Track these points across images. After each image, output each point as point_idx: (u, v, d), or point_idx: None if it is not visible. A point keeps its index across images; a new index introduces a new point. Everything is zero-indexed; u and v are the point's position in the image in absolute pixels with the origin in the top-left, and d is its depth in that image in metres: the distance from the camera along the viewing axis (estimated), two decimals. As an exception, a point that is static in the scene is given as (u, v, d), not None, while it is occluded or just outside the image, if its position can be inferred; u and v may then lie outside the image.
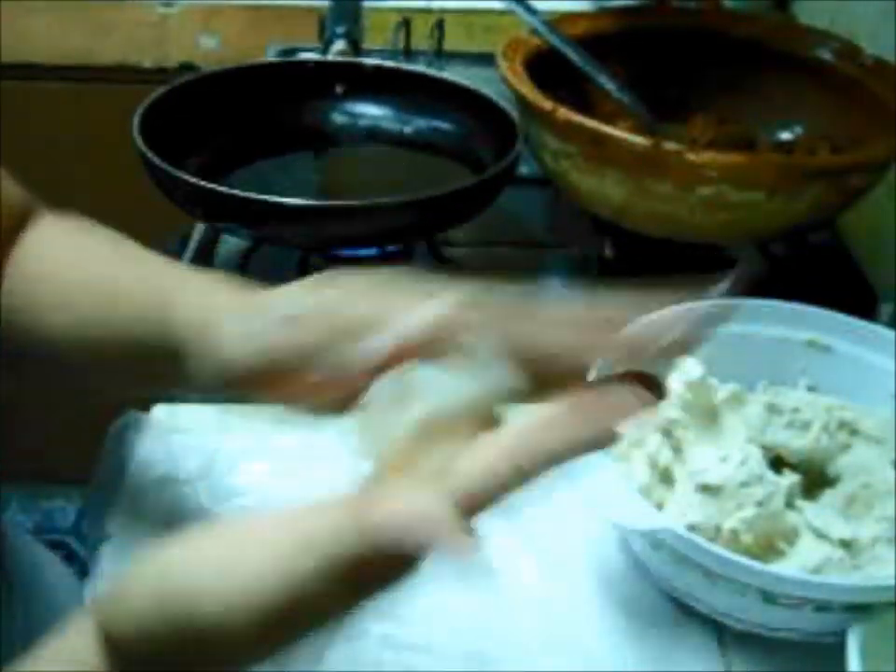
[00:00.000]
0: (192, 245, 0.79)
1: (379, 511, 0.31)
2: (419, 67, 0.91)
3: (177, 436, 0.61)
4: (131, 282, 0.45)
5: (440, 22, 0.99)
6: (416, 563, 0.31)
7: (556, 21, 0.82)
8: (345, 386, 0.37)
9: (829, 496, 0.55)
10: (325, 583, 0.31)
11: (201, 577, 0.32)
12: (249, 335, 0.40)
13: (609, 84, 0.80)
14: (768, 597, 0.48)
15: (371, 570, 0.31)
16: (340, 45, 0.90)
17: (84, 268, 0.46)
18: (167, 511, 0.56)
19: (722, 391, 0.58)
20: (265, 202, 0.65)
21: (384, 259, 0.77)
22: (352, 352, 0.37)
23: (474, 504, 0.31)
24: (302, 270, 0.72)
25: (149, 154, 0.69)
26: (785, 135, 0.83)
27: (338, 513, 0.32)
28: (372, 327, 0.37)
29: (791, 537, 0.52)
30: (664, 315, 0.35)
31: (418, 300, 0.37)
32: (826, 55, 0.81)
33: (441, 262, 0.77)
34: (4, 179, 0.48)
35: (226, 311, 0.42)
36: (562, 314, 0.36)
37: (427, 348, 0.35)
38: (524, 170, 0.77)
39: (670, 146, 0.67)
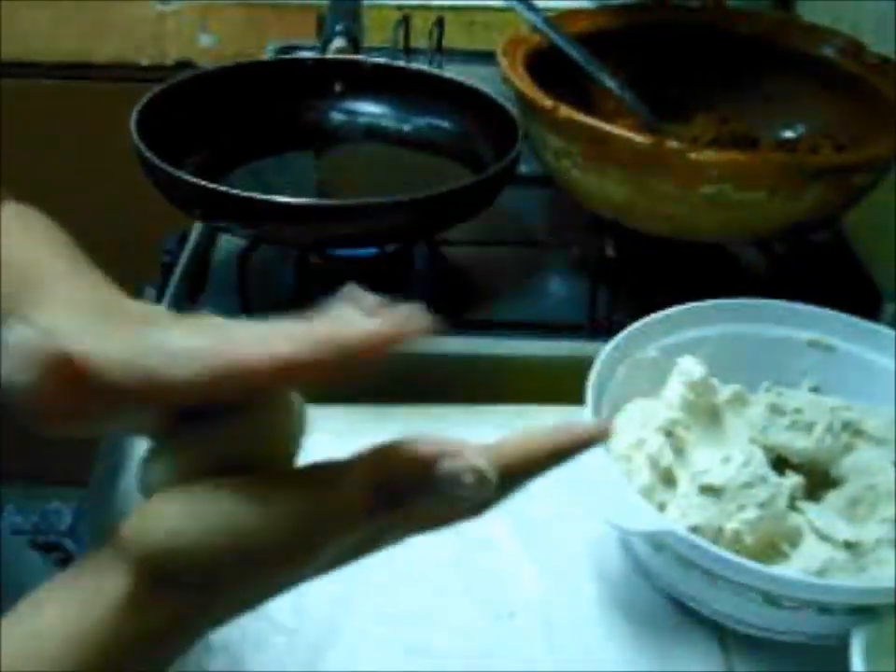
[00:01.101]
0: (190, 244, 0.78)
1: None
2: (419, 65, 0.90)
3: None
4: None
5: (439, 20, 0.99)
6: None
7: (557, 19, 0.81)
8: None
9: (832, 497, 0.54)
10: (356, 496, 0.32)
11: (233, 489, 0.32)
12: None
13: (610, 82, 0.79)
14: (771, 599, 0.47)
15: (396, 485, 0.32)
16: (339, 42, 0.90)
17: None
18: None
19: (724, 391, 0.58)
20: (263, 201, 0.65)
21: (383, 259, 0.77)
22: None
23: None
24: (301, 269, 0.72)
25: (147, 153, 0.68)
26: (787, 134, 0.82)
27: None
28: None
29: (794, 538, 0.52)
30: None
31: None
32: (829, 53, 0.80)
33: (442, 262, 0.77)
34: None
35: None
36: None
37: None
38: (524, 169, 0.77)
39: (672, 144, 0.67)
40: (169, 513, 0.32)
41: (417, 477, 0.32)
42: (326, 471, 0.33)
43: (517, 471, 0.34)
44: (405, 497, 0.32)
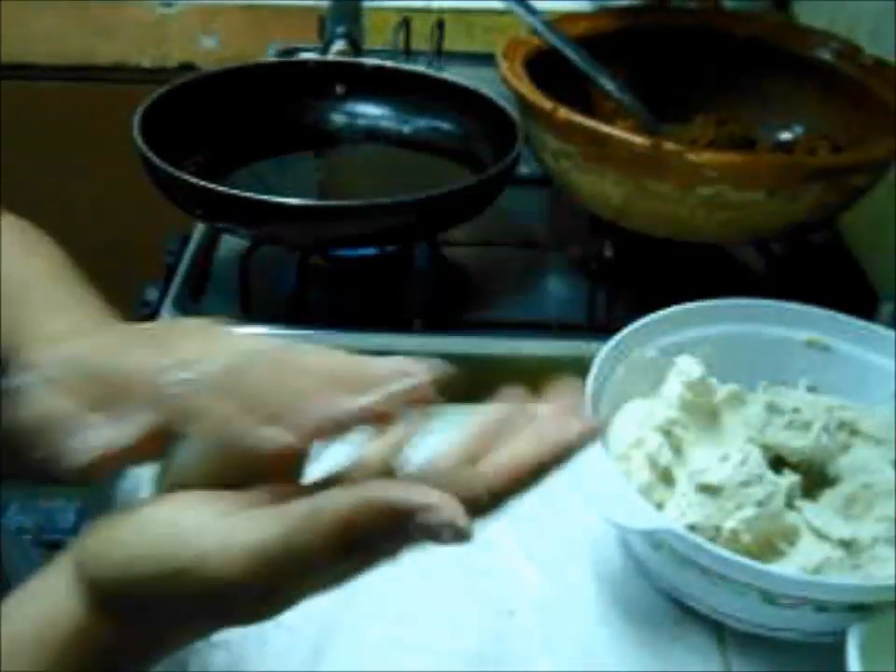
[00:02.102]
0: (192, 245, 0.79)
1: (379, 482, 0.32)
2: (419, 67, 0.90)
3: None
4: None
5: (440, 22, 0.99)
6: (409, 530, 0.31)
7: (556, 21, 0.82)
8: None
9: (829, 496, 0.55)
10: (322, 545, 0.31)
11: (194, 526, 0.32)
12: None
13: (609, 84, 0.80)
14: (768, 597, 0.48)
15: (366, 536, 0.31)
16: (340, 45, 0.90)
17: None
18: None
19: (722, 391, 0.58)
20: (265, 202, 0.65)
21: (383, 259, 0.77)
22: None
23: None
24: (302, 270, 0.72)
25: (149, 154, 0.68)
26: (785, 135, 0.83)
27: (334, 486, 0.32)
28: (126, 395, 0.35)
29: (792, 537, 0.52)
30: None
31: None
32: (826, 55, 0.81)
33: (442, 262, 0.77)
34: None
35: (53, 343, 0.40)
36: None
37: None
38: (524, 170, 0.77)
39: (670, 146, 0.67)
40: (124, 542, 0.32)
41: (389, 531, 0.31)
42: (297, 515, 0.31)
43: (504, 493, 0.33)
44: (374, 545, 0.32)
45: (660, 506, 0.53)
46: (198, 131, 0.78)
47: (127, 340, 0.38)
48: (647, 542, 0.52)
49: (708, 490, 0.51)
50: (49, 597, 0.33)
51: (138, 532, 0.32)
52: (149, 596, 0.32)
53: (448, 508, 0.30)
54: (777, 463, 0.56)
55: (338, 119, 0.85)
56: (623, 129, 0.72)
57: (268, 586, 0.31)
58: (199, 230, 0.80)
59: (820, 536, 0.52)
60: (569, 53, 0.79)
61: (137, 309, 0.76)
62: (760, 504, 0.51)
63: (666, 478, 0.54)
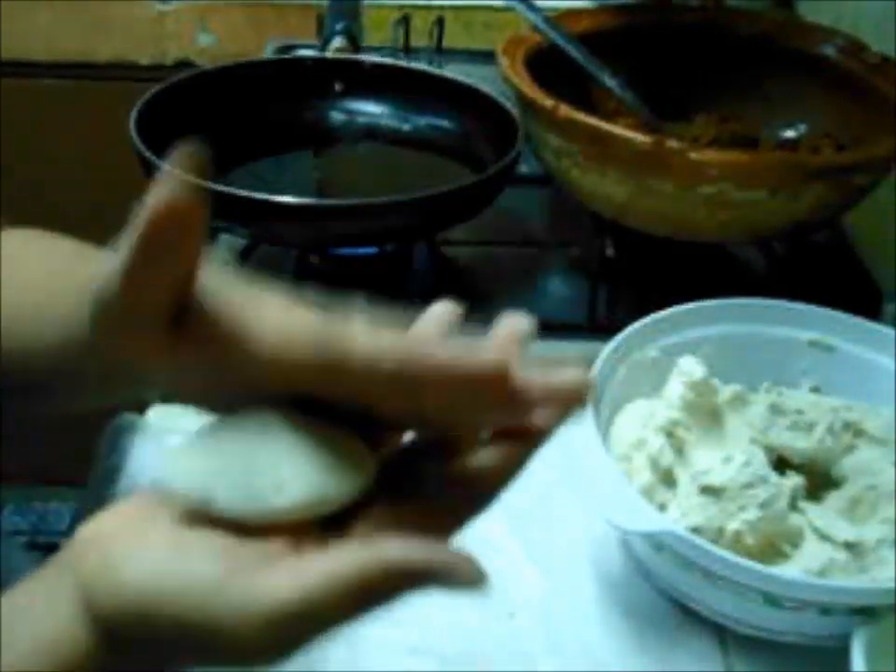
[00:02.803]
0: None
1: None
2: (419, 64, 0.90)
3: (172, 437, 0.61)
4: (65, 283, 0.42)
5: (439, 19, 0.99)
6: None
7: (558, 18, 0.81)
8: None
9: (833, 497, 0.54)
10: (338, 608, 0.31)
11: (211, 585, 0.31)
12: None
13: (610, 82, 0.79)
14: (771, 600, 0.47)
15: (382, 596, 0.32)
16: (339, 42, 0.90)
17: (23, 274, 0.43)
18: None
19: (725, 392, 0.58)
20: (263, 200, 0.65)
21: (383, 259, 0.77)
22: None
23: None
24: (301, 269, 0.72)
25: (146, 152, 0.68)
26: (788, 133, 0.82)
27: None
28: None
29: (795, 539, 0.52)
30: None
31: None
32: (830, 52, 0.80)
33: (442, 262, 0.77)
34: None
35: None
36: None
37: None
38: (524, 169, 0.77)
39: (672, 144, 0.66)
40: (138, 588, 0.31)
41: (405, 588, 0.32)
42: (315, 579, 0.31)
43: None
44: (388, 599, 0.32)
45: (662, 507, 0.53)
46: (195, 129, 0.77)
47: None
48: (648, 544, 0.52)
49: (711, 491, 0.51)
50: (50, 621, 0.32)
51: (151, 581, 0.31)
52: (160, 642, 0.32)
53: (465, 565, 0.32)
54: (781, 464, 0.56)
55: (337, 117, 0.85)
56: (625, 127, 0.71)
57: (282, 645, 0.31)
58: (196, 228, 0.79)
59: (824, 538, 0.51)
60: (570, 51, 0.79)
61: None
62: (763, 506, 0.50)
63: (668, 479, 0.54)
